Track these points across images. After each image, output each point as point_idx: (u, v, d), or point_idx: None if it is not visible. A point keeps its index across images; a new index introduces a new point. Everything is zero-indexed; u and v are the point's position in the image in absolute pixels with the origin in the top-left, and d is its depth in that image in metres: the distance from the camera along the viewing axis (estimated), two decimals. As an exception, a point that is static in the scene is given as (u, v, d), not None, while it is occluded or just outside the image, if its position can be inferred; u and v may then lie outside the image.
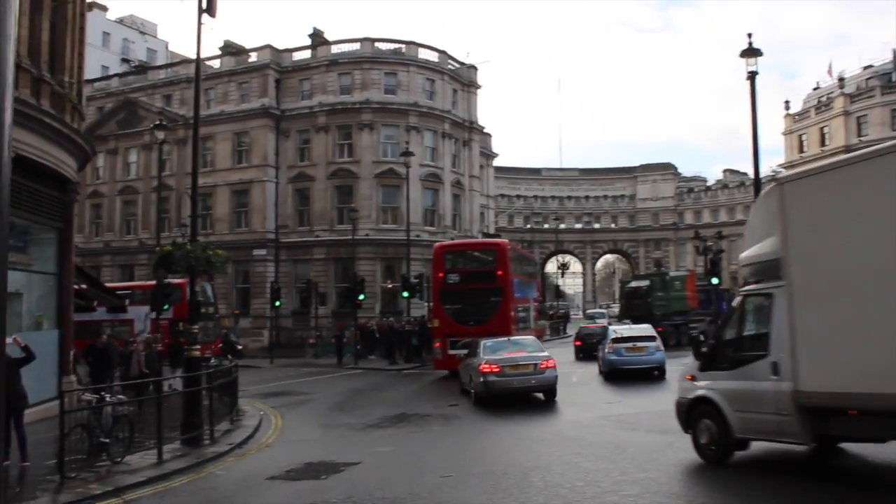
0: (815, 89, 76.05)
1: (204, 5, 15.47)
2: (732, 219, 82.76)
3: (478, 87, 54.98)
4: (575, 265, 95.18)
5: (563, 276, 79.28)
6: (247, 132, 49.18)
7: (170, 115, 47.86)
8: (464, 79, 53.27)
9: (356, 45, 49.14)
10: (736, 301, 11.87)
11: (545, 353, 20.40)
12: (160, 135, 29.27)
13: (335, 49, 49.83)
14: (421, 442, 14.83)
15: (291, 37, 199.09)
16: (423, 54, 50.00)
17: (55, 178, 18.56)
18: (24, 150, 16.13)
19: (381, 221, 46.87)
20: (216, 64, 51.31)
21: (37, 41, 17.04)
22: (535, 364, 19.47)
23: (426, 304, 39.26)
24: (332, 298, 46.27)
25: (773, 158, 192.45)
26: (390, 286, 46.18)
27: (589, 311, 67.67)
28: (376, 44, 49.30)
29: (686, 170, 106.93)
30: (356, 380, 29.06)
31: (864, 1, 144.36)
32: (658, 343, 24.82)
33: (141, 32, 74.70)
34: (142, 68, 59.48)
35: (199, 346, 16.18)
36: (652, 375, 23.81)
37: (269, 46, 50.14)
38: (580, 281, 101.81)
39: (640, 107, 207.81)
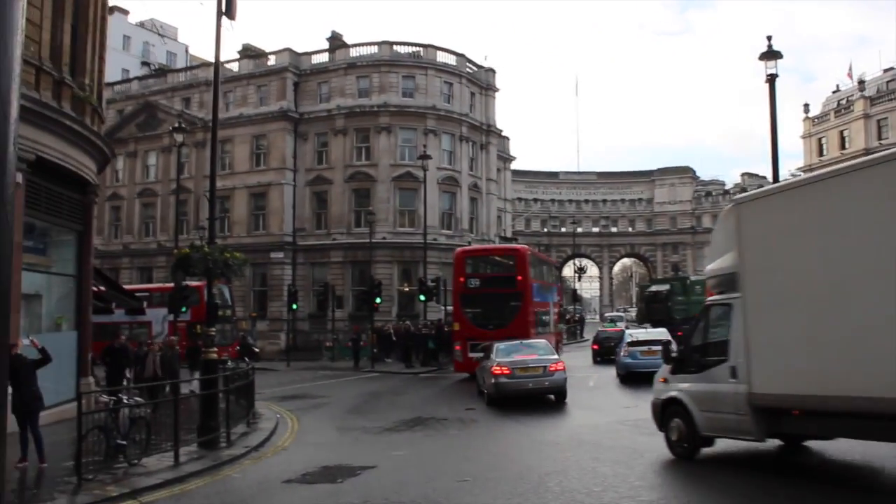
0: (834, 92, 75.32)
1: (223, 8, 15.52)
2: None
3: (495, 90, 54.90)
4: (592, 269, 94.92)
5: (580, 280, 79.03)
6: (265, 135, 49.35)
7: (189, 117, 48.12)
8: (481, 82, 53.21)
9: (374, 49, 49.21)
10: (702, 310, 12.87)
11: (555, 357, 21.00)
12: (179, 137, 29.42)
13: (353, 52, 49.90)
14: (437, 446, 14.79)
15: (310, 40, 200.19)
16: (441, 57, 49.96)
17: (75, 180, 18.67)
18: (44, 152, 16.26)
19: (398, 225, 46.85)
20: (235, 67, 51.61)
21: (58, 44, 17.15)
22: (545, 367, 20.01)
23: (443, 307, 39.27)
24: (349, 301, 46.33)
25: (792, 162, 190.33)
26: (407, 289, 46.16)
27: (607, 315, 67.41)
28: (394, 47, 49.32)
29: (704, 173, 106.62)
30: (372, 383, 29.06)
31: (884, 2, 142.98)
32: (673, 346, 24.74)
33: (161, 36, 75.06)
34: (161, 71, 59.88)
35: (216, 349, 16.21)
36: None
37: (287, 49, 50.33)
38: (597, 285, 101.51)
39: (658, 110, 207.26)
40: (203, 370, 15.98)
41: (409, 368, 34.58)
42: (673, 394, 12.24)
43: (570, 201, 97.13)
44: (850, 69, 72.55)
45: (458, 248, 33.63)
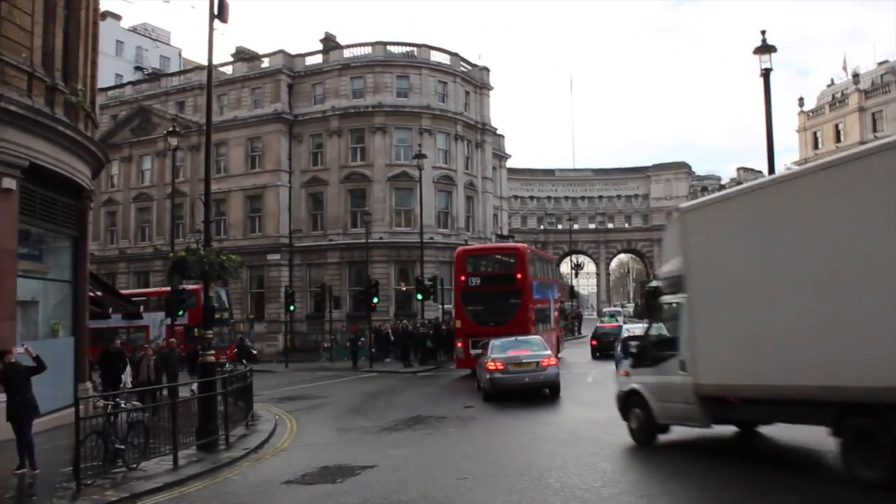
0: (829, 86, 75.41)
1: (216, 11, 15.52)
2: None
3: (490, 88, 54.88)
4: (589, 265, 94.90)
5: (577, 277, 79.00)
6: (260, 137, 49.33)
7: (183, 121, 48.11)
8: (476, 80, 53.23)
9: (368, 49, 49.19)
10: (656, 309, 13.92)
11: (548, 352, 21.59)
12: (173, 141, 29.41)
13: (347, 53, 49.88)
14: (436, 444, 14.79)
15: (303, 42, 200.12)
16: (435, 57, 49.98)
17: (70, 186, 18.65)
18: (38, 158, 16.23)
19: (394, 224, 46.85)
20: (229, 70, 51.60)
21: (50, 50, 17.12)
22: (538, 362, 20.64)
23: (440, 306, 39.37)
24: (347, 302, 46.35)
25: (788, 156, 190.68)
26: (404, 289, 46.22)
27: (606, 310, 67.44)
28: (388, 47, 49.31)
29: (700, 168, 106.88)
30: (371, 383, 29.07)
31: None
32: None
33: (154, 40, 75.07)
34: (155, 76, 59.82)
35: (214, 352, 16.20)
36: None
37: (281, 52, 50.29)
38: (594, 281, 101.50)
39: (653, 106, 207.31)
40: (201, 373, 15.97)
41: (407, 367, 34.59)
42: (633, 386, 13.24)
43: (566, 198, 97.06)
44: (845, 63, 72.73)
45: (459, 248, 34.02)
